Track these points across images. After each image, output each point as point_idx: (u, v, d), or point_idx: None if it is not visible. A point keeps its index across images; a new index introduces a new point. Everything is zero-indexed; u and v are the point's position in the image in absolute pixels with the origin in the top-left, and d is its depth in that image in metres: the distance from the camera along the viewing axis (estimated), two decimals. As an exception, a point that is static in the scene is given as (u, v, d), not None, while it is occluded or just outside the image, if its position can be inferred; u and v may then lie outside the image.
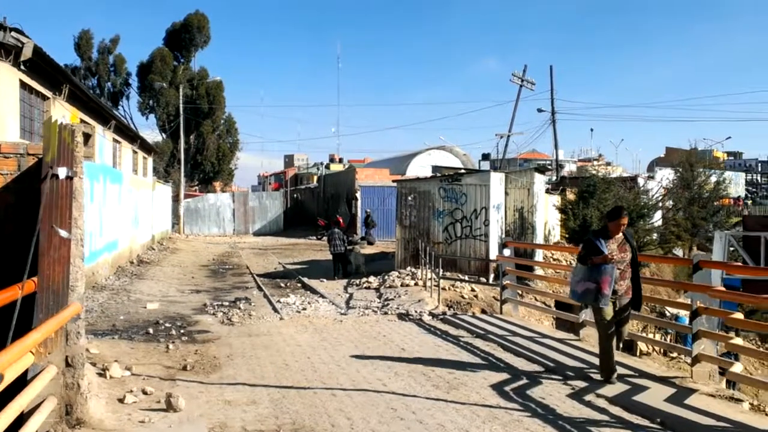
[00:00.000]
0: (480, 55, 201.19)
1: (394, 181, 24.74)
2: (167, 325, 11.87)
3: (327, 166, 60.04)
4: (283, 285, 19.01)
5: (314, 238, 39.70)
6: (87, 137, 6.14)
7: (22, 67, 8.53)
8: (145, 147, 28.65)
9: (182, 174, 45.47)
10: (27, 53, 7.94)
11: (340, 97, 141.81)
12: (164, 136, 54.41)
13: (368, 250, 27.88)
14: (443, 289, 15.47)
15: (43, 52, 9.14)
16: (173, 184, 44.30)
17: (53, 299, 5.16)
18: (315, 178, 59.08)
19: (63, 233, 5.02)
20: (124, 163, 21.69)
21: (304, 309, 14.26)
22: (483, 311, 14.98)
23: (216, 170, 57.67)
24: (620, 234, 7.80)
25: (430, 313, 13.15)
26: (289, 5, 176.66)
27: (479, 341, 10.33)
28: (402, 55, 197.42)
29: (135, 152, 24.90)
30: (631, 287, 7.81)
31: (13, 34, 7.74)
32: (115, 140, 19.98)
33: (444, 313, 13.23)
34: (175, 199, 43.26)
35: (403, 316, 12.94)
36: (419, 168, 43.65)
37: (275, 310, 14.05)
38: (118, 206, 20.34)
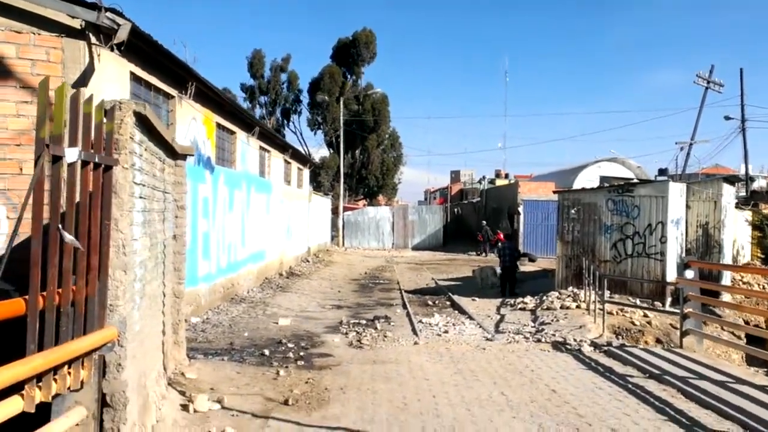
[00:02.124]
0: (658, 64, 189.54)
1: (554, 192, 22.46)
2: (290, 345, 10.74)
3: (492, 182, 57.73)
4: (430, 303, 17.57)
5: (473, 253, 38.06)
6: (141, 118, 4.91)
7: (116, 52, 7.59)
8: (300, 158, 28.22)
9: (341, 186, 45.47)
10: (122, 35, 7.03)
11: (507, 109, 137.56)
12: (331, 150, 54.98)
13: (528, 267, 25.79)
14: (609, 313, 13.34)
15: (146, 35, 8.15)
16: (333, 196, 44.35)
17: (67, 323, 3.98)
18: (478, 192, 57.24)
19: (68, 238, 3.82)
20: (273, 173, 21.13)
21: (446, 332, 12.71)
22: (658, 341, 12.70)
23: (380, 184, 57.51)
24: None
25: (592, 343, 11.13)
26: (456, 22, 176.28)
27: (652, 384, 8.28)
28: (572, 64, 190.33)
29: (288, 162, 24.40)
30: None
31: (108, 14, 6.83)
32: (262, 148, 19.40)
33: (609, 344, 11.15)
34: (335, 212, 43.23)
35: (559, 346, 11.04)
36: (587, 182, 40.44)
37: (414, 331, 12.61)
38: (265, 216, 19.81)
